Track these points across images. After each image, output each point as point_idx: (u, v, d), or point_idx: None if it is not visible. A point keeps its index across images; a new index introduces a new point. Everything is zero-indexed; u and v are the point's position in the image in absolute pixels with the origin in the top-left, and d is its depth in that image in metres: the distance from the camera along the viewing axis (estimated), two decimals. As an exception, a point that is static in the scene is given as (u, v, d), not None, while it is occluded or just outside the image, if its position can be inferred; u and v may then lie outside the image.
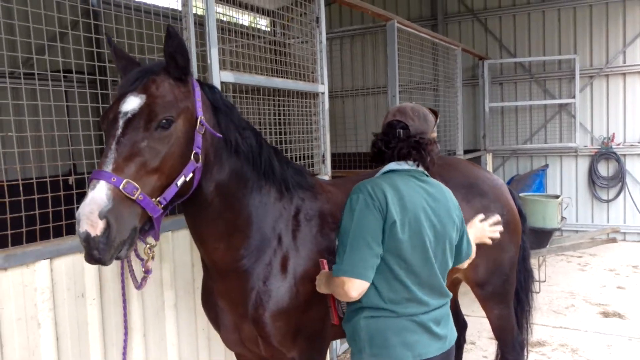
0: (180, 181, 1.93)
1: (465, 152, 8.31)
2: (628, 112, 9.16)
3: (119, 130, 1.84)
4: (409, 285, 2.07)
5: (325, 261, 2.31)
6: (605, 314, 5.68)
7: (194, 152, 1.98)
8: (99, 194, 1.70)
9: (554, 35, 9.61)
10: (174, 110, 1.91)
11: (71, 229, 2.52)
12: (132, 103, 1.88)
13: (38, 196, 2.50)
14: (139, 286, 2.41)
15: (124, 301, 2.58)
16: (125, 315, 2.64)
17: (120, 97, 1.92)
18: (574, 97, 9.26)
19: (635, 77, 9.07)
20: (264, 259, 2.36)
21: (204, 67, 3.29)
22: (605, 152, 9.17)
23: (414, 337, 2.08)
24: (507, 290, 3.37)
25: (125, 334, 2.68)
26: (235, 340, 2.53)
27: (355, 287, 2.00)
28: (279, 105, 4.14)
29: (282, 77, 3.96)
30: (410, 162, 2.22)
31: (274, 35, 4.54)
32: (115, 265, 2.68)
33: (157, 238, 1.99)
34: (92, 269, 2.57)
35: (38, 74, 2.73)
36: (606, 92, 9.31)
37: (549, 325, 5.39)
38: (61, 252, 2.45)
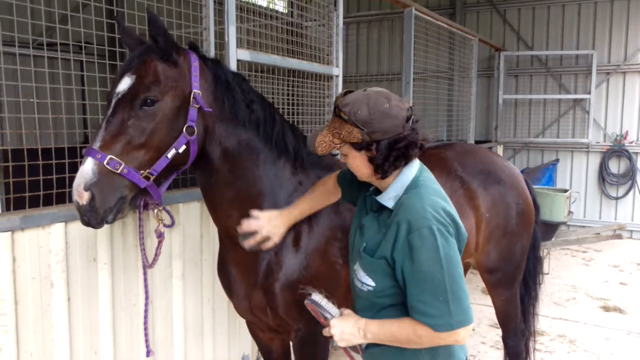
0: (170, 154, 2.06)
1: (476, 142, 8.31)
2: (644, 110, 9.10)
3: (110, 110, 2.02)
4: None
5: (313, 307, 1.96)
6: (606, 308, 5.73)
7: (187, 125, 2.09)
8: (85, 169, 1.93)
9: (572, 29, 9.53)
10: (158, 89, 2.04)
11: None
12: (123, 84, 2.04)
13: (56, 162, 2.59)
14: (149, 265, 2.60)
15: (144, 267, 2.67)
16: (145, 280, 2.74)
17: (117, 79, 2.08)
18: (589, 92, 9.20)
19: (653, 75, 9.00)
20: None
21: (221, 45, 3.34)
22: (618, 150, 9.14)
23: None
24: (516, 277, 3.43)
25: (147, 298, 2.78)
26: (246, 308, 2.62)
27: (468, 333, 1.73)
28: (293, 86, 4.19)
29: (297, 58, 4.01)
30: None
31: (292, 17, 4.57)
32: (125, 233, 2.77)
33: (160, 203, 2.27)
34: (104, 235, 2.66)
35: (58, 44, 2.80)
36: (622, 89, 9.24)
37: (549, 316, 5.45)
38: (75, 216, 2.50)
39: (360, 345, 1.88)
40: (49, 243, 2.44)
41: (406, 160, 1.79)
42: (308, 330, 2.57)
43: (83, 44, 2.95)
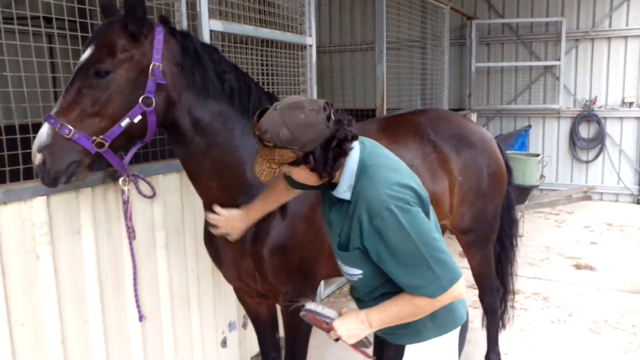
0: (124, 123, 2.15)
1: (450, 110, 8.43)
2: (611, 75, 9.27)
3: (70, 79, 2.14)
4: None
5: (312, 316, 1.93)
6: (578, 267, 5.96)
7: (144, 96, 2.15)
8: (41, 133, 2.09)
9: (542, -4, 9.64)
10: (112, 61, 2.12)
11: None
12: (84, 54, 2.15)
13: (34, 135, 2.58)
14: (134, 237, 2.74)
15: (129, 237, 2.76)
16: (132, 250, 2.82)
17: (83, 50, 2.19)
18: (559, 59, 9.35)
19: (619, 41, 9.15)
20: None
21: (194, 15, 3.33)
22: (587, 115, 9.34)
23: None
24: (489, 237, 3.54)
25: (134, 266, 2.86)
26: (235, 275, 2.69)
27: (462, 285, 1.78)
28: (267, 56, 4.19)
29: (271, 27, 4.01)
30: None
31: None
32: (107, 204, 2.79)
33: (122, 170, 2.41)
34: (87, 207, 2.68)
35: (28, 17, 2.78)
36: (591, 55, 9.40)
37: (523, 276, 5.64)
38: (57, 189, 2.53)
39: (367, 338, 1.90)
40: (32, 216, 2.45)
41: (344, 155, 1.77)
42: (295, 294, 2.65)
43: (54, 17, 2.92)
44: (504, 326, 3.92)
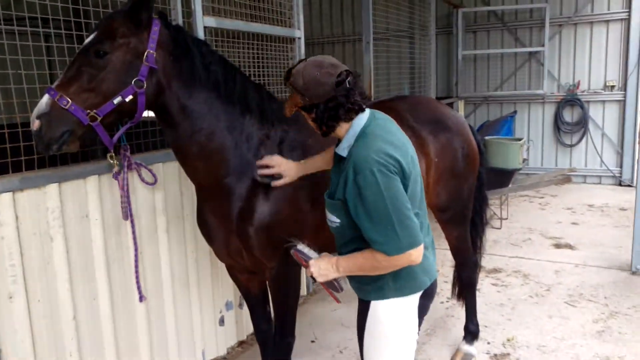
0: (116, 100, 2.36)
1: (438, 98, 8.66)
2: (594, 60, 9.51)
3: (72, 59, 2.36)
4: (419, 215, 2.14)
5: (297, 253, 2.28)
6: (558, 246, 6.24)
7: (136, 79, 2.38)
8: (41, 102, 2.28)
9: (527, -17, 9.85)
10: (110, 44, 2.36)
11: (75, 158, 2.87)
12: (88, 39, 2.39)
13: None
14: (124, 216, 2.93)
15: (132, 221, 3.00)
16: (134, 233, 3.05)
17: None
18: (543, 45, 9.58)
19: (601, 25, 9.39)
20: (246, 180, 2.72)
21: (189, 13, 3.55)
22: (571, 99, 9.59)
23: (427, 261, 2.19)
24: (465, 214, 3.81)
25: (136, 249, 3.09)
26: (225, 253, 2.92)
27: (420, 253, 2.01)
28: (258, 50, 4.40)
29: (260, 22, 4.22)
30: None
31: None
32: (113, 191, 3.02)
33: (109, 145, 2.53)
34: (94, 193, 2.92)
35: (26, 18, 3.01)
36: (574, 40, 9.64)
37: (505, 255, 5.93)
38: (67, 177, 2.78)
39: (337, 282, 2.18)
40: (45, 202, 2.69)
41: (337, 119, 2.06)
42: (280, 269, 2.89)
43: (50, 17, 3.13)
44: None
